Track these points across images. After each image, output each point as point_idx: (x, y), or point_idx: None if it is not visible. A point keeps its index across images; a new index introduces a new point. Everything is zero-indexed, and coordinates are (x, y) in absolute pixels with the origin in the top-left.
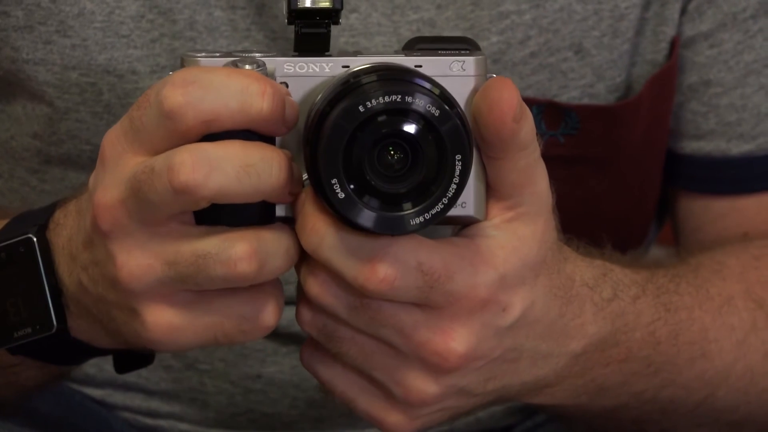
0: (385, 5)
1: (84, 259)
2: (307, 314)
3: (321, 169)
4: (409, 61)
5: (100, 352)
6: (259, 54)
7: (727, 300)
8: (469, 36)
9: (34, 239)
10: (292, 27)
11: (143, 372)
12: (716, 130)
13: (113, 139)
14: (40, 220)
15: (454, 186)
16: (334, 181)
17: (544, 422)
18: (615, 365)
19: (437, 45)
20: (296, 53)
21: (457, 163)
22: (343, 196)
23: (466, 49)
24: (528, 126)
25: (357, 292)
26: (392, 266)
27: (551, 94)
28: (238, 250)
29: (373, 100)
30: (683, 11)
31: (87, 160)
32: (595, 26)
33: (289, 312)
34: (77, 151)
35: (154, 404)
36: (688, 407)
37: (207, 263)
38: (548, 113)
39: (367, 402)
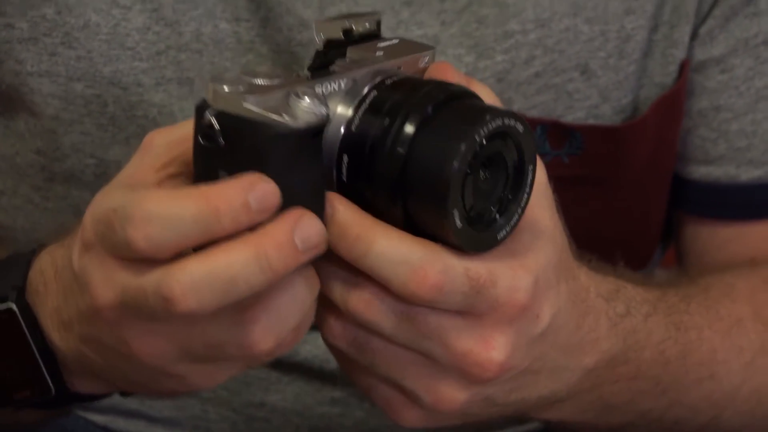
0: (390, 20)
1: (84, 333)
2: (337, 328)
3: (436, 204)
4: (391, 65)
5: (104, 396)
6: (276, 79)
7: (737, 321)
8: (473, 54)
9: (15, 309)
10: (297, 39)
11: (146, 399)
12: (726, 155)
13: (91, 228)
14: (17, 280)
15: (526, 194)
16: (454, 212)
17: (535, 430)
18: (623, 383)
19: (367, 41)
20: (309, 71)
21: (529, 172)
22: (460, 225)
23: (378, 37)
24: None
25: (404, 304)
26: (442, 272)
27: (556, 114)
28: (255, 335)
29: (479, 133)
30: (694, 35)
31: (90, 176)
32: (602, 47)
33: None
34: (81, 165)
35: (157, 431)
36: (694, 427)
37: (224, 350)
38: (552, 133)
39: (387, 396)
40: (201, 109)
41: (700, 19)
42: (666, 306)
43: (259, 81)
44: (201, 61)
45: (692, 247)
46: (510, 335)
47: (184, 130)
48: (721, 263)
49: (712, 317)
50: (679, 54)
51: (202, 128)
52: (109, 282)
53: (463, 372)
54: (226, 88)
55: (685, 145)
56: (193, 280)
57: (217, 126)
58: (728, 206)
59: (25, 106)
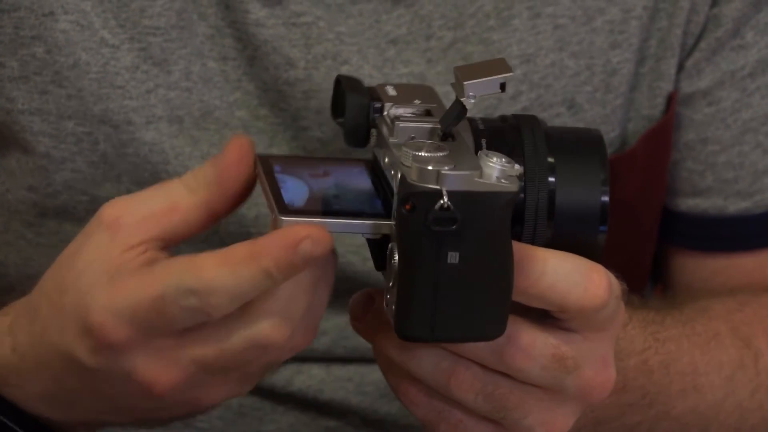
0: (376, 58)
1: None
2: (467, 382)
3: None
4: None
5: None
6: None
7: (714, 336)
8: None
9: None
10: (284, 78)
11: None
12: (713, 187)
13: (123, 325)
14: None
15: None
16: None
17: None
18: (613, 395)
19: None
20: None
21: None
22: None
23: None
24: None
25: (555, 342)
26: (606, 275)
27: None
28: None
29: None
30: (680, 68)
31: (83, 212)
32: (588, 81)
33: (287, 372)
34: (73, 202)
35: None
36: None
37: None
38: None
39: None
40: (425, 195)
41: (686, 52)
42: (641, 318)
43: (439, 148)
44: (190, 99)
45: (679, 279)
46: (613, 350)
47: (151, 206)
48: (707, 295)
49: (688, 331)
50: (666, 86)
51: (434, 214)
52: (173, 363)
53: (583, 396)
54: (430, 167)
55: (672, 177)
56: (282, 317)
57: (452, 207)
58: (716, 238)
59: (17, 144)
